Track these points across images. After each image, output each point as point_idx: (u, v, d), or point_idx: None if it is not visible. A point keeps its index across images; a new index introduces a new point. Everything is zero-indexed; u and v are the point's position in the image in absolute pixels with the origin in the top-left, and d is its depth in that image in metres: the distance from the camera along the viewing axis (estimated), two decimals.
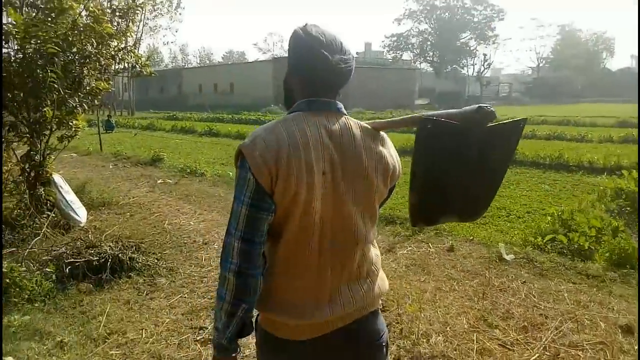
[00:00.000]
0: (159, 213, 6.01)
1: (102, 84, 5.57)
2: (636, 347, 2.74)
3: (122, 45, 6.20)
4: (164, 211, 6.13)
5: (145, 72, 6.18)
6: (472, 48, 57.73)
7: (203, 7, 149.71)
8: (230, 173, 9.06)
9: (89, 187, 7.03)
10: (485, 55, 53.82)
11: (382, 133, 1.30)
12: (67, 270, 3.66)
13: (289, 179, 1.12)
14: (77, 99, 5.23)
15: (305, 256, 1.19)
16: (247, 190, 1.14)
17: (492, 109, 1.14)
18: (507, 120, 1.24)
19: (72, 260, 3.74)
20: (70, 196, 5.26)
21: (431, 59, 59.08)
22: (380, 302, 1.41)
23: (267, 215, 1.14)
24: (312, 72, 1.22)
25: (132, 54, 6.17)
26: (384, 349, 1.35)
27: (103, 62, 5.65)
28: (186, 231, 5.17)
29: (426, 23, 58.59)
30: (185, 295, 3.53)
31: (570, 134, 14.83)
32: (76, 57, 5.29)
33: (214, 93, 49.66)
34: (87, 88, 5.40)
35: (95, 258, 3.80)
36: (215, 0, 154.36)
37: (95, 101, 5.75)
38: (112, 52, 5.94)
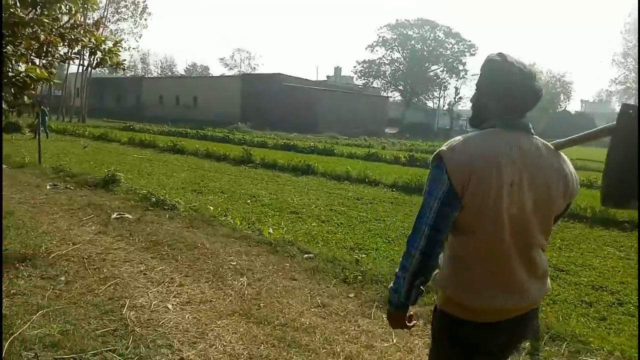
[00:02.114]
0: (114, 278, 3.84)
1: (39, 72, 3.46)
2: None
3: (78, 21, 4.12)
4: (122, 275, 3.95)
5: (109, 62, 4.08)
6: (443, 80, 58.06)
7: (168, 16, 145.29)
8: (211, 208, 6.94)
9: (7, 224, 4.74)
10: (457, 88, 54.12)
11: (561, 153, 1.47)
12: None
13: (480, 185, 1.31)
14: None
15: (493, 252, 1.38)
16: (441, 188, 1.34)
17: None
18: None
19: None
20: None
21: (402, 88, 58.87)
22: None
23: (452, 212, 1.35)
24: (512, 96, 1.40)
25: (92, 36, 4.08)
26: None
27: (43, 39, 3.54)
28: (163, 328, 3.02)
29: (399, 52, 58.53)
30: None
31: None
32: None
33: (175, 106, 46.93)
34: (12, 73, 3.26)
35: None
36: (180, 9, 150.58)
37: (25, 97, 3.60)
38: (61, 29, 3.85)
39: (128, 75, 67.31)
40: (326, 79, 60.60)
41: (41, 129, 18.41)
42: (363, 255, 5.11)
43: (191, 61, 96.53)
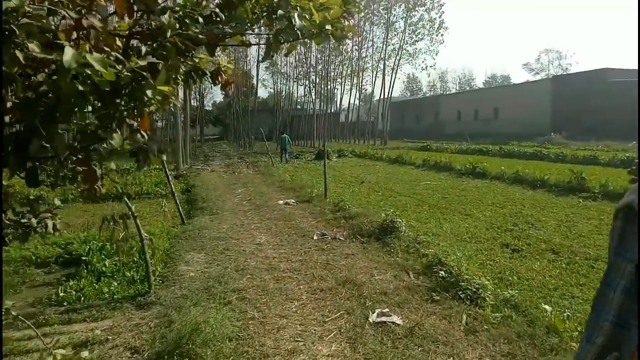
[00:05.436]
0: None
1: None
2: None
3: None
4: None
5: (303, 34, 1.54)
6: None
7: (465, 30, 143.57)
8: (547, 308, 3.68)
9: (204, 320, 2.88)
10: None
11: None
12: None
13: None
14: None
15: None
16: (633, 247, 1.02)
17: None
18: None
19: None
20: None
21: None
22: None
23: None
24: None
25: None
26: None
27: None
28: None
29: None
30: None
31: None
32: None
33: (473, 120, 44.03)
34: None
35: None
36: (475, 19, 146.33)
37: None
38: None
39: (427, 95, 68.70)
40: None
41: (285, 155, 20.89)
42: None
43: (490, 73, 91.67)
